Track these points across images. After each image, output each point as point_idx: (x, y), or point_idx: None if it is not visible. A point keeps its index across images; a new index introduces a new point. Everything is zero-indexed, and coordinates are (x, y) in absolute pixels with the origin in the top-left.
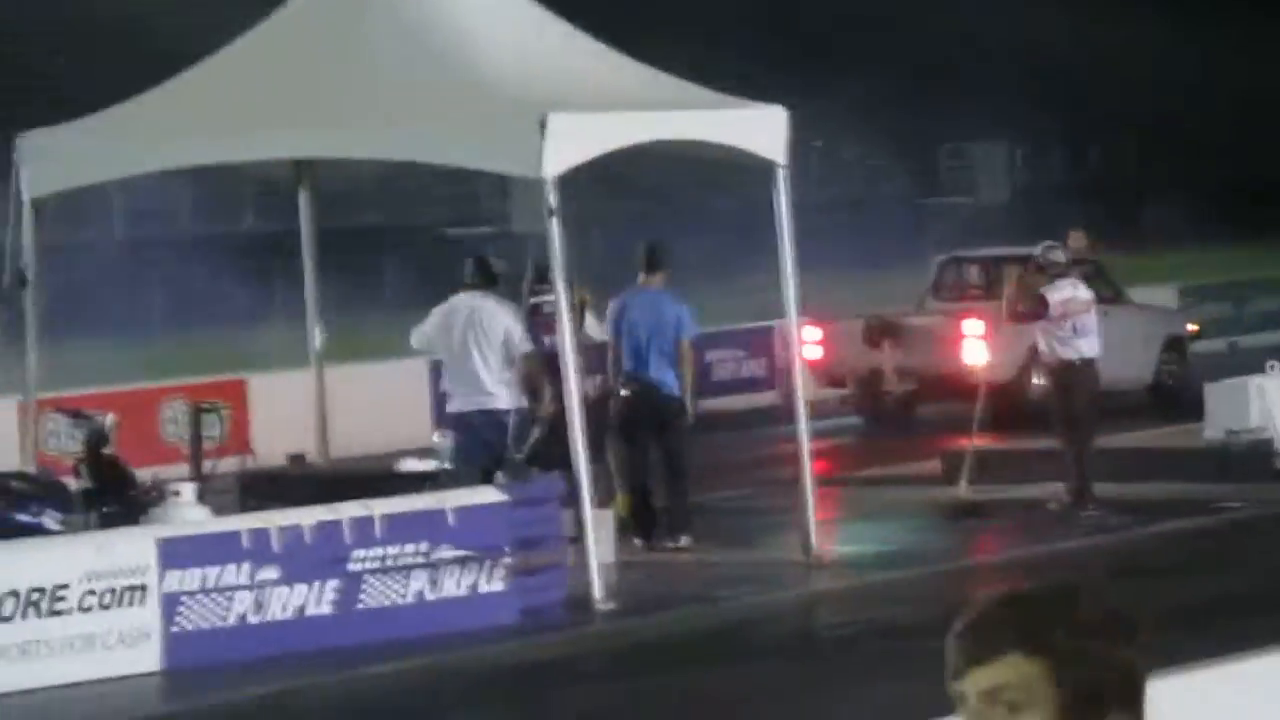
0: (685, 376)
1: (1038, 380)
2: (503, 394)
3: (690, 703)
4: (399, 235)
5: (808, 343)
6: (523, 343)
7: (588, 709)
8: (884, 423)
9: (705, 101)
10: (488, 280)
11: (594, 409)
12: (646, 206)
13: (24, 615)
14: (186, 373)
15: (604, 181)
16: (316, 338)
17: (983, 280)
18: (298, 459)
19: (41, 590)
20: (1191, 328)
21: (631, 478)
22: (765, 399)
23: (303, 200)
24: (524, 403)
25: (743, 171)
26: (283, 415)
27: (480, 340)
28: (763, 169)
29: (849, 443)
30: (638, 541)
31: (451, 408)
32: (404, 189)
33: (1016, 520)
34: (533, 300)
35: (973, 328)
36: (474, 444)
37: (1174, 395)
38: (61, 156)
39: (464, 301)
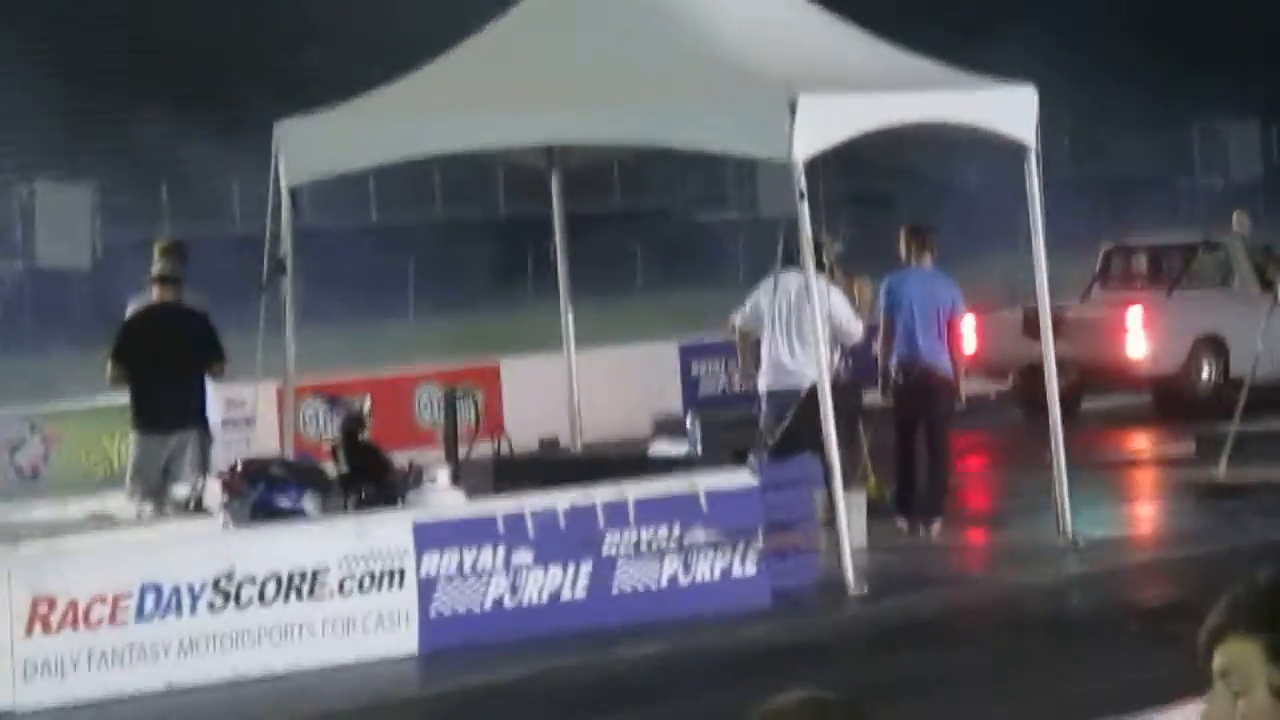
0: (956, 359)
1: (1206, 373)
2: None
3: (941, 684)
4: (649, 219)
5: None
6: (851, 324)
7: (839, 691)
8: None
9: (953, 82)
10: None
11: (844, 391)
12: (889, 185)
13: (285, 599)
14: (440, 357)
15: (847, 159)
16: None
17: (1149, 269)
18: (550, 442)
19: (302, 574)
20: None
21: (902, 462)
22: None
23: (554, 184)
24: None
25: (984, 149)
26: (535, 398)
27: (806, 320)
28: (1010, 148)
29: (1017, 435)
30: (901, 524)
31: (766, 384)
32: (654, 173)
33: (1277, 503)
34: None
35: (1135, 319)
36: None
37: None
38: (318, 144)
39: (791, 280)
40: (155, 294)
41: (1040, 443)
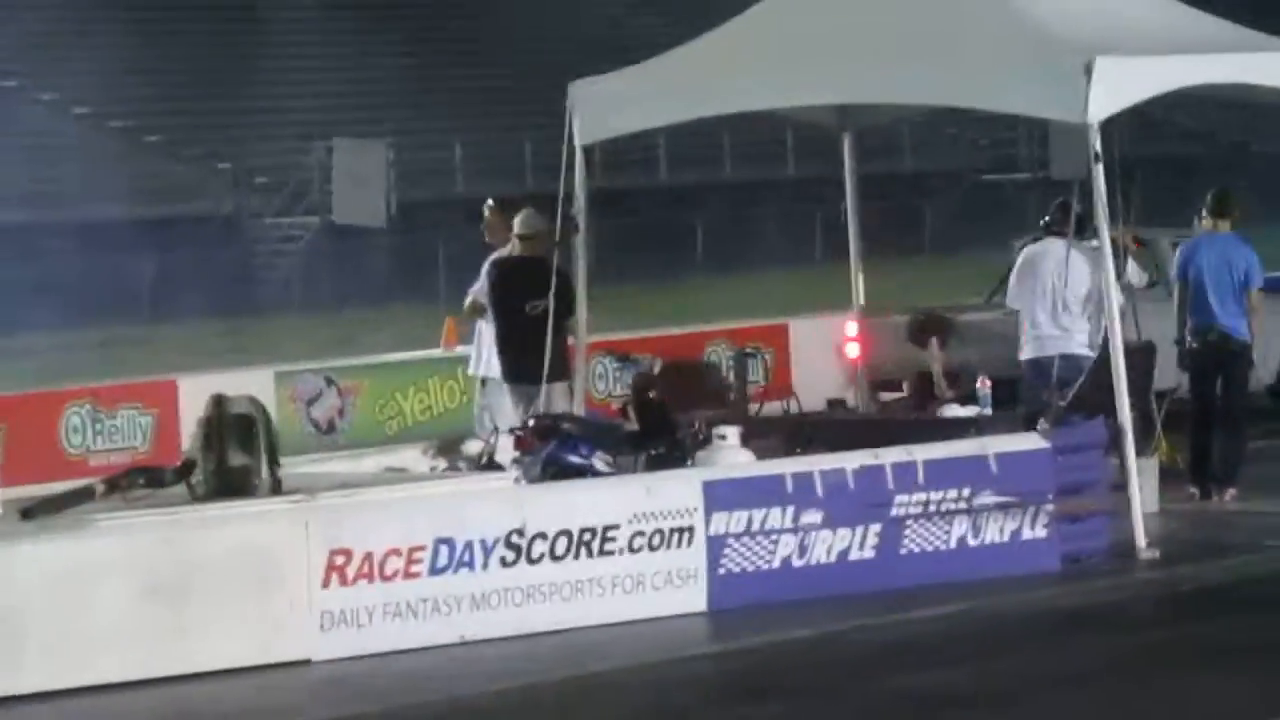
0: (1253, 326)
1: None
2: (1084, 339)
3: (1233, 652)
4: (938, 180)
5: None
6: (1107, 288)
7: (1129, 656)
8: None
9: (1252, 43)
10: (1071, 225)
11: (1136, 355)
12: (1186, 149)
13: (575, 555)
14: (729, 317)
15: (1142, 124)
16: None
17: None
18: (838, 403)
19: (592, 531)
20: None
21: (1196, 429)
22: None
23: (845, 145)
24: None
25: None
26: (823, 359)
27: (1065, 285)
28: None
29: None
30: (1193, 491)
31: (1027, 353)
32: (943, 134)
33: None
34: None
35: None
36: (1045, 388)
37: None
38: (611, 104)
39: (1049, 246)
40: (518, 248)
41: None
